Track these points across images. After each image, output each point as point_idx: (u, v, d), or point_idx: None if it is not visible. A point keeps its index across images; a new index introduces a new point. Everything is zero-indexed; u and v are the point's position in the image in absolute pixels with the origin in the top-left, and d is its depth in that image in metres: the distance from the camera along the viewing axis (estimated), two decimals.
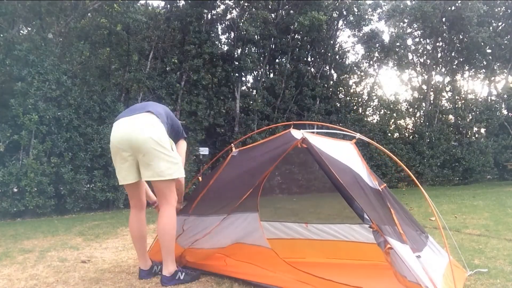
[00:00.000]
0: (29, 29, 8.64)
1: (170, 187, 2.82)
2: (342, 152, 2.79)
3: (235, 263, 3.10)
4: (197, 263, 3.18)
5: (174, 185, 2.88)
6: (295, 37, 12.21)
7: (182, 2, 10.41)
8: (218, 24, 11.46)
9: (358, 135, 2.92)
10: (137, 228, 2.98)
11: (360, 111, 13.31)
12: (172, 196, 2.85)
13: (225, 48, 11.61)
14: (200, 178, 3.47)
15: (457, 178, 13.63)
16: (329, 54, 12.62)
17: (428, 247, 2.64)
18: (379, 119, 13.52)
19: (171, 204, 2.85)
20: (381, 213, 2.44)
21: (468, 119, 14.09)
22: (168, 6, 10.23)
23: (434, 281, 2.14)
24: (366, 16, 12.54)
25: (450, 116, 14.61)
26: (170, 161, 2.75)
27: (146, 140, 2.62)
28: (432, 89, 14.23)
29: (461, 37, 13.63)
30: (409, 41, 14.06)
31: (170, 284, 2.79)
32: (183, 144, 3.17)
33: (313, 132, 2.98)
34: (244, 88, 12.02)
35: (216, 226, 3.10)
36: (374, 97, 13.73)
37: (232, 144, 3.22)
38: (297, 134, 2.82)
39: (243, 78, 11.81)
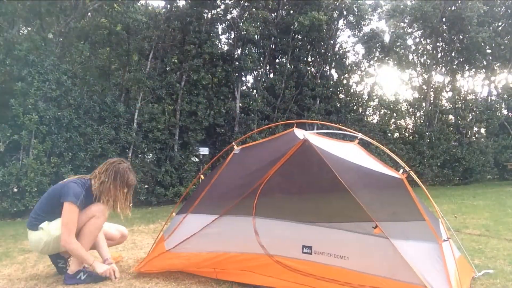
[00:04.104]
0: (29, 29, 8.64)
1: None
2: (347, 151, 2.75)
3: (227, 273, 2.88)
4: (186, 270, 3.02)
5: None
6: (295, 37, 12.19)
7: (182, 2, 10.45)
8: (218, 24, 11.45)
9: (360, 135, 2.89)
10: None
11: (360, 111, 13.29)
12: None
13: (225, 48, 11.61)
14: (202, 177, 3.46)
15: (457, 178, 13.62)
16: (329, 54, 12.61)
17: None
18: (379, 119, 13.50)
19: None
20: (398, 206, 2.40)
21: (468, 119, 14.07)
22: (168, 6, 10.22)
23: (450, 275, 2.15)
24: (366, 16, 12.53)
25: (450, 116, 14.59)
26: None
27: None
28: (432, 89, 14.21)
29: (461, 37, 13.62)
30: (409, 41, 14.05)
31: (69, 282, 2.90)
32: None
33: (313, 132, 2.96)
34: (244, 88, 12.00)
35: (205, 228, 2.93)
36: (374, 97, 13.70)
37: (233, 143, 3.19)
38: (300, 134, 2.80)
39: (243, 78, 11.80)
